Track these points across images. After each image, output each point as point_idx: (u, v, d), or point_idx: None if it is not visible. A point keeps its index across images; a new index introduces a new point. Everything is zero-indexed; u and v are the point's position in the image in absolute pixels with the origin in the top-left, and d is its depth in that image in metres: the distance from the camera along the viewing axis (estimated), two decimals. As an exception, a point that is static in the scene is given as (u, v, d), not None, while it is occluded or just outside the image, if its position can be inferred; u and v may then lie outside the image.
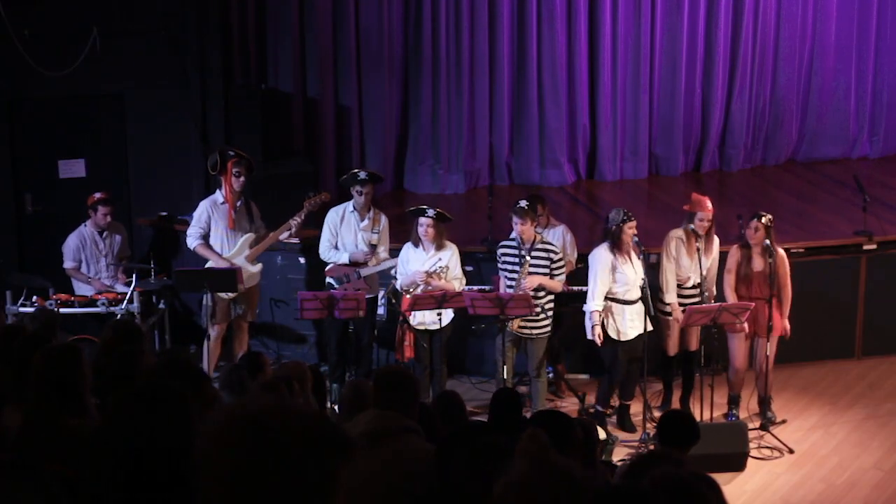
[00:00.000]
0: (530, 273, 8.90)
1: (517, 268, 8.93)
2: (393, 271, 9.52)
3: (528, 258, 8.89)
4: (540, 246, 8.96)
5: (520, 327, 8.98)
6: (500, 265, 9.15)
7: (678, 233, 9.22)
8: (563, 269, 9.03)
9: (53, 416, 4.21)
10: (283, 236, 9.79)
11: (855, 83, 13.48)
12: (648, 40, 12.65)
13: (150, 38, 10.99)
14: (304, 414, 2.18)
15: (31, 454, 3.94)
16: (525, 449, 2.78)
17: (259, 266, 9.82)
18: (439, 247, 9.17)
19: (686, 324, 8.98)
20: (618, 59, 12.63)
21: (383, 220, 9.64)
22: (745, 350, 9.21)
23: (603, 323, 8.92)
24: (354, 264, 9.48)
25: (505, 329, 8.98)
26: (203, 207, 9.77)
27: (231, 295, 9.65)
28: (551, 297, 9.05)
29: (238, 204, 9.74)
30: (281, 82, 11.65)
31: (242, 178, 9.68)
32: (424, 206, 9.26)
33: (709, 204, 9.13)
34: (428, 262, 9.15)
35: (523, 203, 8.96)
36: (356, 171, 9.79)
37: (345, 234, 9.57)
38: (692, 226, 9.12)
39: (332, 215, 9.65)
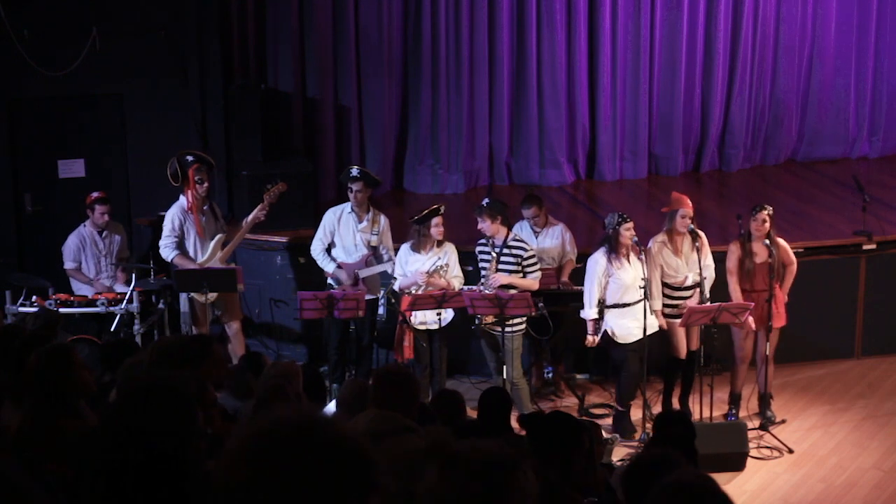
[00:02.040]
0: (499, 271, 8.93)
1: (488, 265, 8.98)
2: (390, 269, 9.50)
3: (493, 254, 8.96)
4: (511, 243, 8.99)
5: (491, 324, 8.98)
6: (480, 264, 9.22)
7: (659, 237, 9.16)
8: (536, 267, 9.02)
9: (51, 416, 4.21)
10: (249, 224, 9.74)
11: (855, 83, 13.48)
12: (648, 40, 12.65)
13: (149, 38, 10.99)
14: (337, 443, 2.06)
15: (28, 454, 3.95)
16: (431, 451, 2.54)
17: (232, 266, 9.79)
18: (438, 246, 9.19)
19: (686, 324, 8.97)
20: (617, 59, 12.63)
21: (383, 220, 9.63)
22: (749, 343, 9.20)
23: (609, 328, 8.93)
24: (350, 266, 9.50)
25: (485, 330, 9.04)
26: (173, 215, 9.62)
27: (212, 297, 9.60)
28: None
29: (205, 209, 9.70)
30: (281, 82, 11.65)
31: (206, 184, 9.60)
32: (436, 208, 9.23)
33: (689, 200, 9.08)
34: (428, 263, 9.15)
35: (484, 202, 9.10)
36: (350, 167, 9.76)
37: (343, 234, 9.57)
38: (674, 225, 9.07)
39: (330, 215, 9.63)
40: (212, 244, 9.65)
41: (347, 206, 9.59)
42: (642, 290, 8.85)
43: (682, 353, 9.27)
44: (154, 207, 11.11)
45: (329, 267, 9.57)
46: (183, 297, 9.62)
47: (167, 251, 9.61)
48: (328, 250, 9.65)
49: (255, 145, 11.00)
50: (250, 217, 9.67)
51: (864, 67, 13.49)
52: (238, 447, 2.06)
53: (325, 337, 9.92)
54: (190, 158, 9.59)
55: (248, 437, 2.06)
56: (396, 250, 9.56)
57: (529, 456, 2.77)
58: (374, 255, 9.56)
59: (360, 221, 9.55)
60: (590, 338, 8.94)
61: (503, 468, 2.36)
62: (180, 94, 11.20)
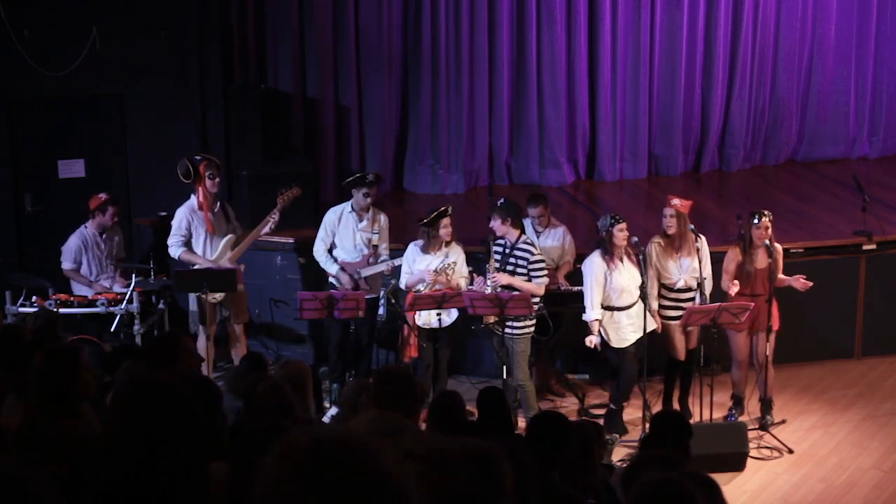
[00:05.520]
0: (505, 272, 8.93)
1: (498, 264, 9.00)
2: (387, 268, 9.47)
3: (492, 254, 8.99)
4: (520, 246, 8.99)
5: (495, 324, 8.98)
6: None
7: (655, 238, 9.19)
8: (542, 272, 8.99)
9: (52, 416, 4.21)
10: (264, 232, 9.77)
11: (854, 83, 13.48)
12: (648, 40, 12.66)
13: (149, 38, 10.99)
14: (377, 474, 2.05)
15: (29, 454, 3.94)
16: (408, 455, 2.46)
17: (242, 267, 9.79)
18: (446, 246, 9.20)
19: (686, 324, 8.97)
20: (617, 60, 12.63)
21: (383, 218, 9.65)
22: (746, 346, 9.19)
23: (604, 331, 8.92)
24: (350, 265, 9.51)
25: (493, 331, 9.04)
26: (182, 215, 9.66)
27: (218, 297, 9.61)
28: (534, 298, 9.03)
29: (216, 208, 9.71)
30: (281, 82, 11.65)
31: (217, 179, 9.64)
32: (443, 210, 9.23)
33: (674, 200, 9.07)
34: (435, 261, 9.16)
35: (499, 202, 9.17)
36: (363, 174, 9.79)
37: (343, 234, 9.57)
38: (662, 225, 9.10)
39: (330, 216, 9.64)
40: (222, 243, 9.67)
41: (348, 206, 9.59)
42: (638, 293, 8.87)
43: (681, 354, 9.25)
44: (154, 207, 11.12)
45: (332, 268, 9.57)
46: (192, 296, 9.63)
47: (173, 249, 9.66)
48: (329, 251, 9.65)
49: (255, 145, 11.00)
50: (263, 221, 9.68)
51: (864, 68, 13.49)
52: (276, 471, 2.04)
53: (326, 337, 9.92)
54: (198, 158, 9.65)
55: (287, 461, 2.04)
56: (393, 251, 9.58)
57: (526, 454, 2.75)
58: (375, 253, 9.57)
59: (361, 220, 9.56)
60: (591, 338, 8.92)
61: (487, 461, 2.34)
62: (180, 94, 11.20)
